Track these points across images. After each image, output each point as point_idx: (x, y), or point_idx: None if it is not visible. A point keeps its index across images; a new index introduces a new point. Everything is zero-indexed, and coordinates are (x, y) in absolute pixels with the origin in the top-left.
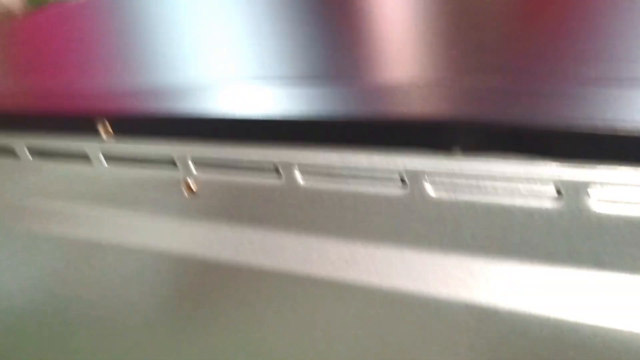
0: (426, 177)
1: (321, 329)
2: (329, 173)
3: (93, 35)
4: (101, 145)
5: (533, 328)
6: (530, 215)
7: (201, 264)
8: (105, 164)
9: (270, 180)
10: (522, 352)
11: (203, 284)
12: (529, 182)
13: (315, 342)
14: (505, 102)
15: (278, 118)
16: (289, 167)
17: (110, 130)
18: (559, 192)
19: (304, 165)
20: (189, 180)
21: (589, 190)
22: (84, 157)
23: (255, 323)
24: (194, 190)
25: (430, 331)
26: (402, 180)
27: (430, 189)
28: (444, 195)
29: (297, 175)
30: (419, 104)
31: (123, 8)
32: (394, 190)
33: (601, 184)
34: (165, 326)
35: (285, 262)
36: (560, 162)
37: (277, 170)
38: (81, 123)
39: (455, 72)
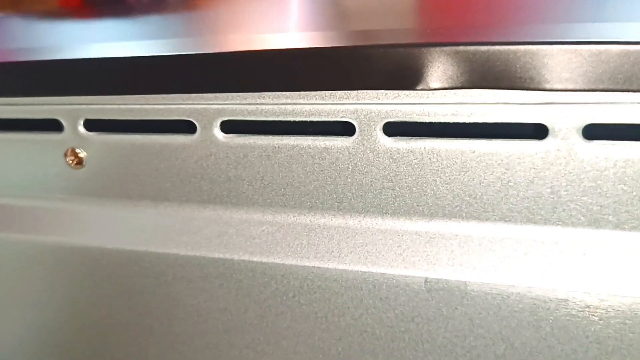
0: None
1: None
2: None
3: None
4: None
5: None
6: None
7: (96, 256)
8: None
9: (183, 138)
10: None
11: (99, 278)
12: None
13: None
14: None
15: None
16: (208, 119)
17: None
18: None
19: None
20: (77, 150)
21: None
22: None
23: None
24: (82, 161)
25: None
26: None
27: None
28: None
29: (217, 130)
30: None
31: None
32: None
33: None
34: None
35: (207, 246)
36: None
37: (192, 126)
38: None
39: None
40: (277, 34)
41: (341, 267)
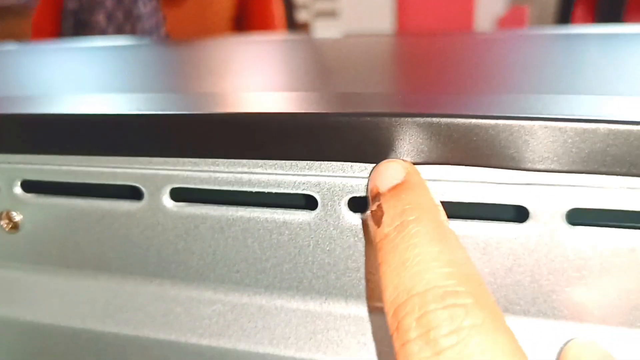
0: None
1: None
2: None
3: None
4: None
5: None
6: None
7: (27, 330)
8: None
9: (128, 205)
10: None
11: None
12: None
13: None
14: None
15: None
16: (156, 186)
17: None
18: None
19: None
20: (12, 213)
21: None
22: None
23: None
24: (18, 225)
25: None
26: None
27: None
28: None
29: (165, 197)
30: None
31: None
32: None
33: None
34: None
35: (151, 325)
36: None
37: (138, 191)
38: None
39: None
40: (235, 93)
41: (299, 355)
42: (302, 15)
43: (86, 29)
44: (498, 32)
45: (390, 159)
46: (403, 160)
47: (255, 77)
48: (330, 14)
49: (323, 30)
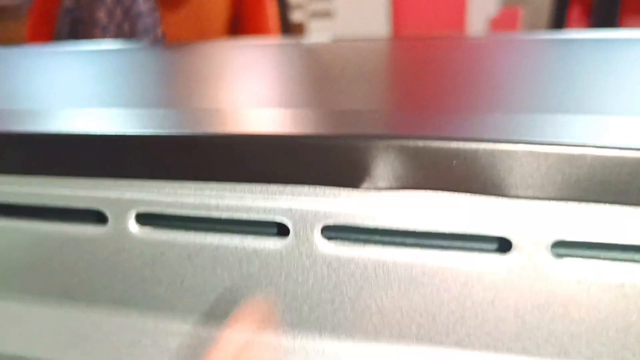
0: None
1: None
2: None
3: None
4: None
5: None
6: None
7: None
8: None
9: (93, 229)
10: None
11: None
12: None
13: None
14: None
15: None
16: (121, 210)
17: None
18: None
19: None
20: None
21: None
22: None
23: None
24: None
25: None
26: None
27: None
28: None
29: (131, 222)
30: None
31: None
32: None
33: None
34: None
35: (116, 358)
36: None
37: (102, 215)
38: None
39: None
40: (208, 110)
41: None
42: (297, 16)
43: (83, 28)
44: (488, 37)
45: None
46: None
47: (232, 91)
48: (325, 15)
49: (317, 31)
